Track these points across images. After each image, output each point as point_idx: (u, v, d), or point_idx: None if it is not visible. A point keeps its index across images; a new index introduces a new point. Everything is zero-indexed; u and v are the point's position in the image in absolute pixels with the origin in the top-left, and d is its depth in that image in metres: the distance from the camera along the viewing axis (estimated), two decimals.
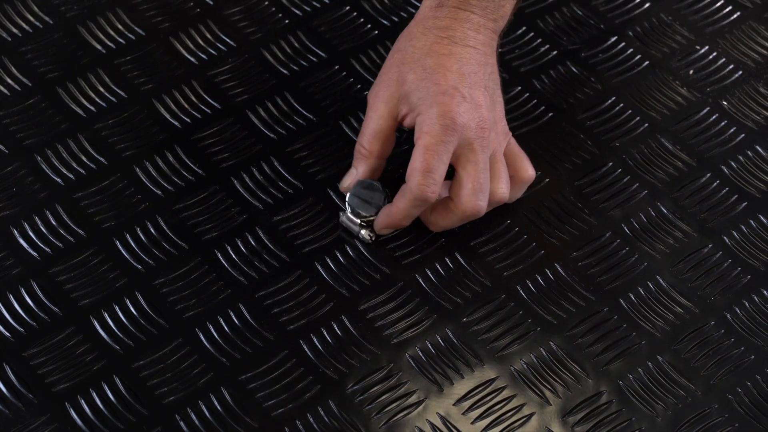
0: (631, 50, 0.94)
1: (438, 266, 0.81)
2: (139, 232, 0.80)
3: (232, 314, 0.77)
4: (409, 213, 0.80)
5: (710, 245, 0.83)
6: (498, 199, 0.81)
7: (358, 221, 0.81)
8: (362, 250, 0.81)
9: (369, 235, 0.81)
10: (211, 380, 0.74)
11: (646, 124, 0.89)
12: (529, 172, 0.82)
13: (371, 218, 0.81)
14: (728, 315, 0.80)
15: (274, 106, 0.88)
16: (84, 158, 0.84)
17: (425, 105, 0.78)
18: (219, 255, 0.80)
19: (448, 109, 0.78)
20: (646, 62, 0.93)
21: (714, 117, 0.90)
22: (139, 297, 0.77)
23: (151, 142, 0.85)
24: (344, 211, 0.82)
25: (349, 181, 0.82)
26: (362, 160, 0.82)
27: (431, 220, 0.81)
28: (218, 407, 0.73)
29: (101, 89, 0.87)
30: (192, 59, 0.90)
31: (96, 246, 0.79)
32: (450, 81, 0.78)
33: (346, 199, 0.82)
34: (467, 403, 0.75)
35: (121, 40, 0.90)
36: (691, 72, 0.93)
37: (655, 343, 0.78)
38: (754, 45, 0.95)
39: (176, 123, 0.86)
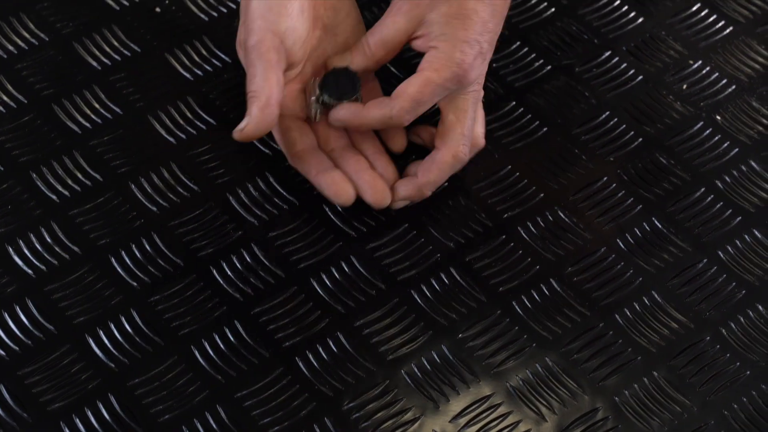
0: (624, 65, 0.94)
1: (433, 282, 0.81)
2: (135, 249, 0.80)
3: (227, 331, 0.77)
4: (372, 125, 0.81)
5: (705, 260, 0.83)
6: (477, 142, 0.84)
7: (316, 96, 0.82)
8: (357, 266, 0.81)
9: (318, 114, 0.82)
10: (206, 398, 0.74)
11: (641, 139, 0.90)
12: (481, 140, 0.84)
13: (329, 102, 0.82)
14: (723, 330, 0.80)
15: None
16: (79, 175, 0.84)
17: (445, 44, 0.79)
18: (214, 271, 0.80)
19: (465, 60, 0.79)
20: (640, 77, 0.93)
21: (708, 131, 0.90)
22: (135, 314, 0.77)
23: (147, 159, 0.85)
24: (315, 79, 0.83)
25: (342, 64, 0.83)
26: (362, 57, 0.83)
27: (421, 182, 0.82)
28: (214, 425, 0.73)
29: (97, 106, 0.87)
30: (187, 75, 0.90)
31: (91, 263, 0.79)
32: (477, 31, 0.79)
33: (326, 72, 0.83)
34: (463, 420, 0.75)
35: (116, 57, 0.90)
36: (684, 86, 0.93)
37: (650, 359, 0.78)
38: (747, 60, 0.95)
39: (171, 139, 0.86)
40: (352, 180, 0.82)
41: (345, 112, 0.81)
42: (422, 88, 0.79)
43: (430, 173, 0.82)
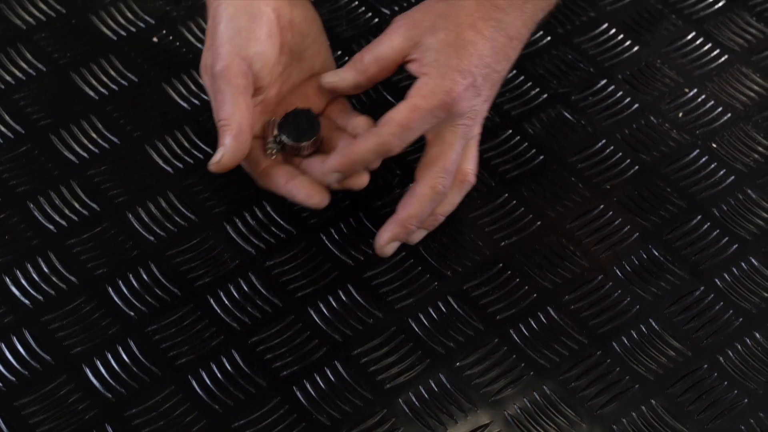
0: (620, 93, 0.94)
1: (431, 310, 0.81)
2: (132, 279, 0.80)
3: (224, 361, 0.77)
4: (366, 158, 0.79)
5: (702, 288, 0.83)
6: (465, 179, 0.82)
7: (274, 136, 0.81)
8: (355, 294, 0.81)
9: (274, 153, 0.81)
10: (203, 428, 0.74)
11: (637, 167, 0.90)
12: (470, 176, 0.83)
13: (287, 143, 0.81)
14: (721, 358, 0.80)
15: None
16: (76, 205, 0.84)
17: (436, 71, 0.78)
18: (212, 301, 0.80)
19: (455, 88, 0.77)
20: (636, 105, 0.94)
21: (704, 159, 0.91)
22: (132, 344, 0.77)
23: (144, 188, 0.85)
24: (274, 119, 0.82)
25: (334, 79, 0.83)
26: (353, 72, 0.82)
27: (402, 217, 0.80)
28: None
29: (94, 135, 0.88)
30: (184, 104, 0.90)
31: (88, 293, 0.79)
32: (472, 63, 0.78)
33: (286, 113, 0.82)
34: None
35: (113, 87, 0.91)
36: (680, 114, 0.93)
37: (648, 387, 0.78)
38: (742, 88, 0.95)
39: (169, 168, 0.86)
40: (323, 179, 0.80)
41: (337, 159, 0.79)
42: (410, 114, 0.77)
43: (410, 207, 0.80)
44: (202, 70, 0.81)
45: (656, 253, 0.85)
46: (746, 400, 0.78)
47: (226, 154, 0.77)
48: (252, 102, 0.80)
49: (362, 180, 0.81)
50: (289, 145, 0.81)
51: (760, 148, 0.92)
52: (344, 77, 0.82)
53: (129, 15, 0.95)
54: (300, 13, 0.83)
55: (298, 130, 0.81)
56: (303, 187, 0.80)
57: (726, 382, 0.79)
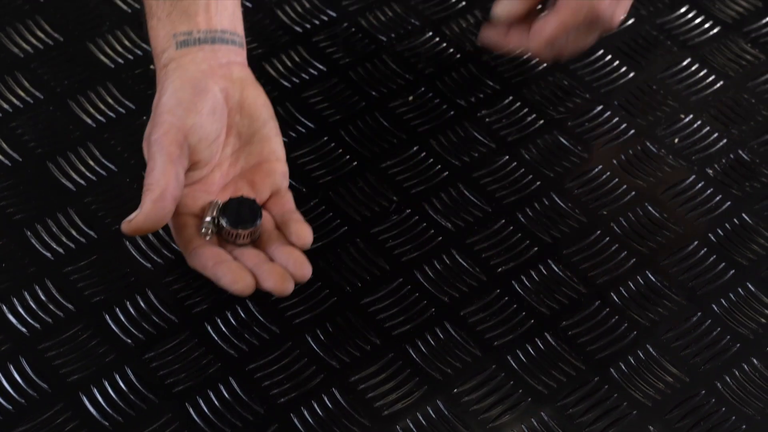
0: (616, 119, 0.95)
1: (428, 336, 0.81)
2: (129, 306, 0.80)
3: (222, 388, 0.77)
4: (511, 50, 0.93)
5: (699, 313, 0.83)
6: (560, 54, 0.92)
7: (213, 217, 0.79)
8: (352, 320, 0.81)
9: (209, 233, 0.79)
10: None
11: (633, 193, 0.90)
12: (564, 55, 0.93)
13: (224, 227, 0.79)
14: (719, 384, 0.80)
15: None
16: (74, 232, 0.84)
17: None
18: (209, 328, 0.80)
19: (601, 2, 0.86)
20: (632, 131, 0.94)
21: (700, 185, 0.91)
22: (129, 372, 0.77)
23: None
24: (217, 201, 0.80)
25: (507, 8, 0.90)
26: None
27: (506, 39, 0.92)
28: None
29: (91, 163, 0.88)
30: None
31: (85, 321, 0.79)
32: None
33: (231, 197, 0.80)
34: None
35: (111, 114, 0.91)
36: (676, 140, 0.94)
37: (646, 413, 0.78)
38: (739, 114, 0.96)
39: None
40: (252, 271, 0.77)
41: (488, 33, 0.91)
42: (557, 32, 0.87)
43: (513, 38, 0.91)
44: (144, 141, 0.79)
45: (653, 279, 0.85)
46: (744, 426, 0.78)
47: (139, 215, 0.75)
48: (185, 175, 0.77)
49: (288, 287, 0.77)
50: (226, 230, 0.79)
51: (756, 174, 0.92)
52: (516, 3, 0.89)
53: (126, 43, 0.96)
54: (250, 96, 0.82)
55: (238, 217, 0.79)
56: (230, 271, 0.77)
57: (724, 408, 0.79)
